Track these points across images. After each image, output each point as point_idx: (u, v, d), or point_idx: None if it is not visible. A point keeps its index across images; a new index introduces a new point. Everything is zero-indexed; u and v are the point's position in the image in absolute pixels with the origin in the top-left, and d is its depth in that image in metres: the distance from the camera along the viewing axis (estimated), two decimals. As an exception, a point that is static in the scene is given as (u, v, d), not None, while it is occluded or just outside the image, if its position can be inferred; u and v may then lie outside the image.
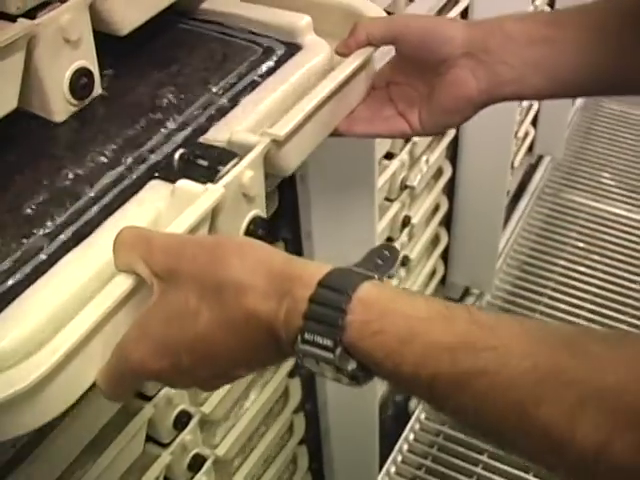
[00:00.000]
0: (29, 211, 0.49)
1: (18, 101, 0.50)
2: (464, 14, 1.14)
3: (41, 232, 0.48)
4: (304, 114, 0.57)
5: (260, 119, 0.57)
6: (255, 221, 0.55)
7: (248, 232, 0.54)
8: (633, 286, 1.59)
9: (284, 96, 0.60)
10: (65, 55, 0.50)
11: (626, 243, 1.69)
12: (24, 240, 0.47)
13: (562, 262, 1.64)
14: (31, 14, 0.48)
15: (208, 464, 0.79)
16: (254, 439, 0.90)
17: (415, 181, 1.11)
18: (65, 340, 0.42)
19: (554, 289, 1.59)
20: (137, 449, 0.67)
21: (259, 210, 0.55)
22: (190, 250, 0.45)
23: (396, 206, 1.09)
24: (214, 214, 0.50)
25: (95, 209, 0.50)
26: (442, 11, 1.07)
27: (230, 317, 0.43)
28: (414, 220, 1.16)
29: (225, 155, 0.53)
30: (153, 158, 0.54)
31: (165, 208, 0.50)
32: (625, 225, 1.74)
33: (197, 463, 0.78)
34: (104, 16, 0.52)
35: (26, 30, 0.48)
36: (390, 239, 1.13)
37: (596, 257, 1.66)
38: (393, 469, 1.32)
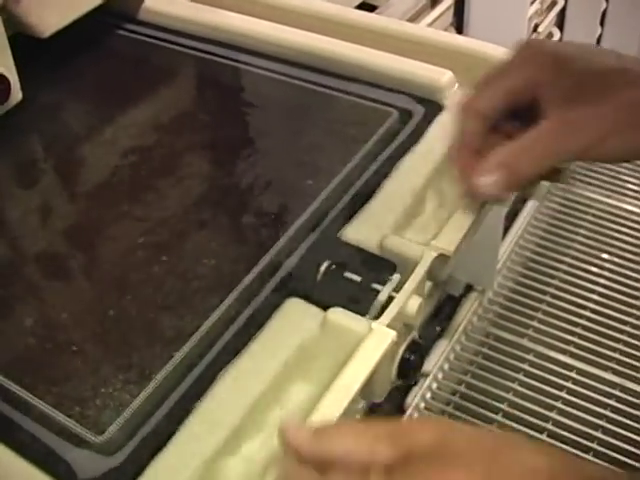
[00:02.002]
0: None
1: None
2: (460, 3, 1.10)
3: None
4: (472, 222, 0.46)
5: (405, 215, 0.48)
6: (410, 347, 0.45)
7: (402, 361, 0.45)
8: (642, 287, 1.55)
9: (429, 179, 0.50)
10: (-27, 61, 0.48)
11: (638, 242, 1.64)
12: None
13: (568, 259, 1.60)
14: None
15: None
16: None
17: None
18: None
19: (558, 287, 1.54)
20: None
21: (415, 332, 0.45)
22: None
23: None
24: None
25: (227, 337, 0.42)
26: (434, 3, 1.04)
27: None
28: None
29: (382, 267, 0.44)
30: (286, 266, 0.44)
31: (312, 344, 0.41)
32: (638, 223, 1.69)
33: None
34: (21, 19, 0.50)
35: None
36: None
37: (605, 256, 1.61)
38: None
